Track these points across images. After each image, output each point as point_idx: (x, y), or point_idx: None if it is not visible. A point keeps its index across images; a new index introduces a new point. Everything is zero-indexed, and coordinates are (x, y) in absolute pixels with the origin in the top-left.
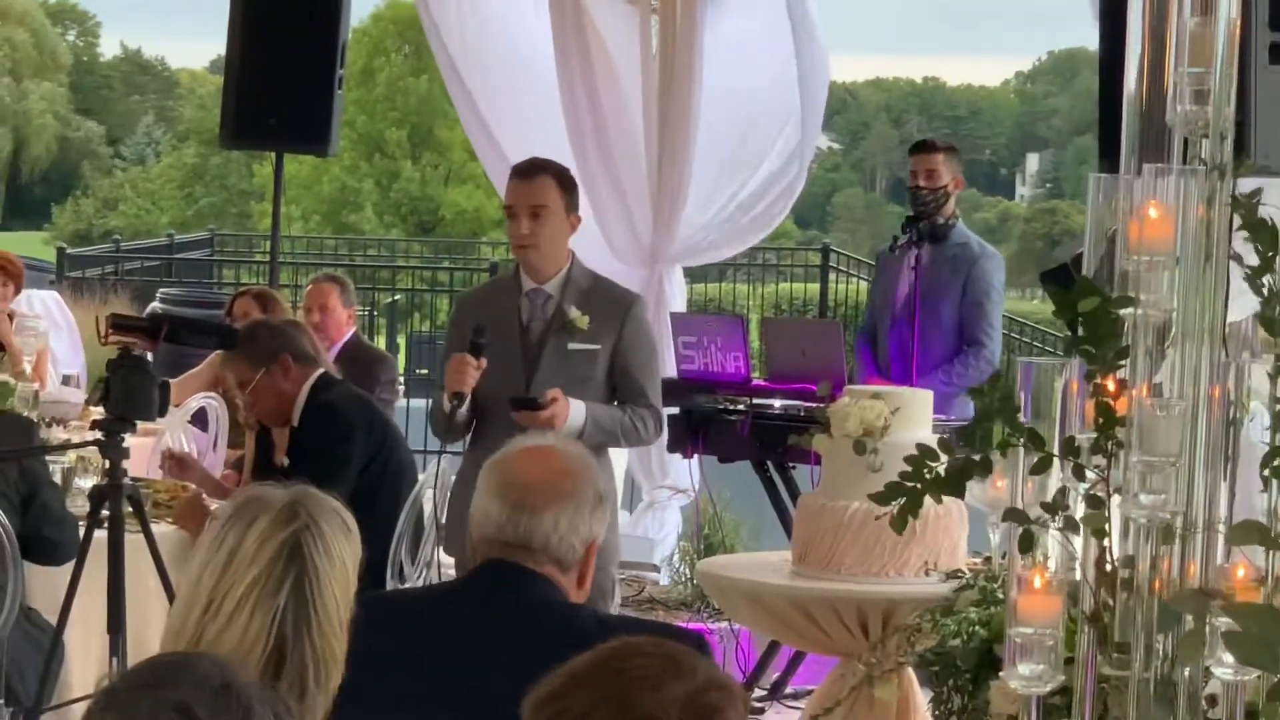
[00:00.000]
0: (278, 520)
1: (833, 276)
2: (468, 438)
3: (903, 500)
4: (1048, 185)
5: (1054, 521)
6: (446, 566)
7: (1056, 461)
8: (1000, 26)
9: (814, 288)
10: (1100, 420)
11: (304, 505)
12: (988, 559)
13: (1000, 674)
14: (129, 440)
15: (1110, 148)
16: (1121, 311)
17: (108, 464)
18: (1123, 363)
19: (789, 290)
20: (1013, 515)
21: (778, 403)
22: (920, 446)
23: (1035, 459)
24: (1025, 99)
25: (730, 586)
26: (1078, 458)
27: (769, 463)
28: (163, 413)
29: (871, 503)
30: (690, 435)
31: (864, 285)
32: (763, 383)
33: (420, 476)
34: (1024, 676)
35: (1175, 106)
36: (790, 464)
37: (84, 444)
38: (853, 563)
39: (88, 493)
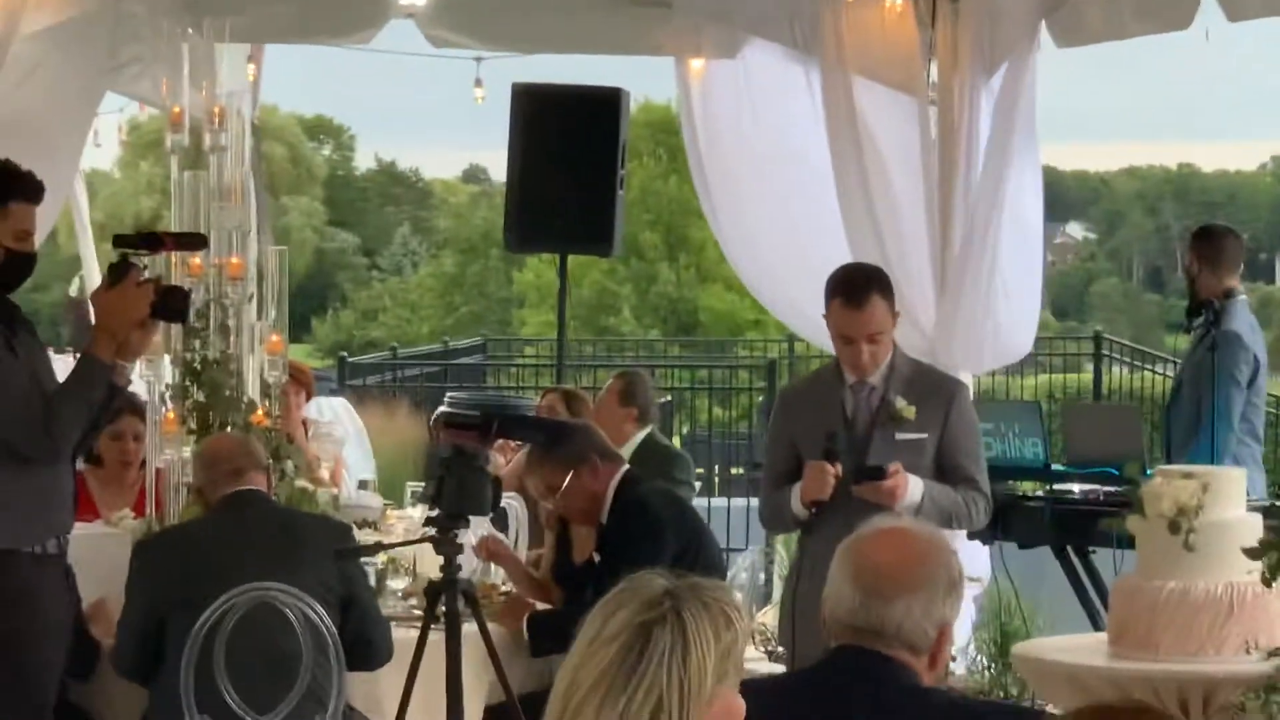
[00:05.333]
0: (639, 608)
1: (1105, 364)
2: (798, 533)
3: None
4: None
5: None
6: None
7: None
8: (1254, 110)
9: (1085, 377)
10: None
11: (675, 594)
12: None
13: None
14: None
15: None
16: None
17: (443, 560)
18: None
19: (1061, 380)
20: None
21: (1076, 488)
22: None
23: None
24: None
25: (1050, 669)
26: None
27: (1069, 548)
28: (495, 509)
29: (1188, 581)
30: (990, 522)
31: (1133, 372)
32: (1062, 468)
33: (729, 571)
34: None
35: None
36: (1090, 549)
37: (420, 540)
38: (1170, 643)
39: (424, 589)
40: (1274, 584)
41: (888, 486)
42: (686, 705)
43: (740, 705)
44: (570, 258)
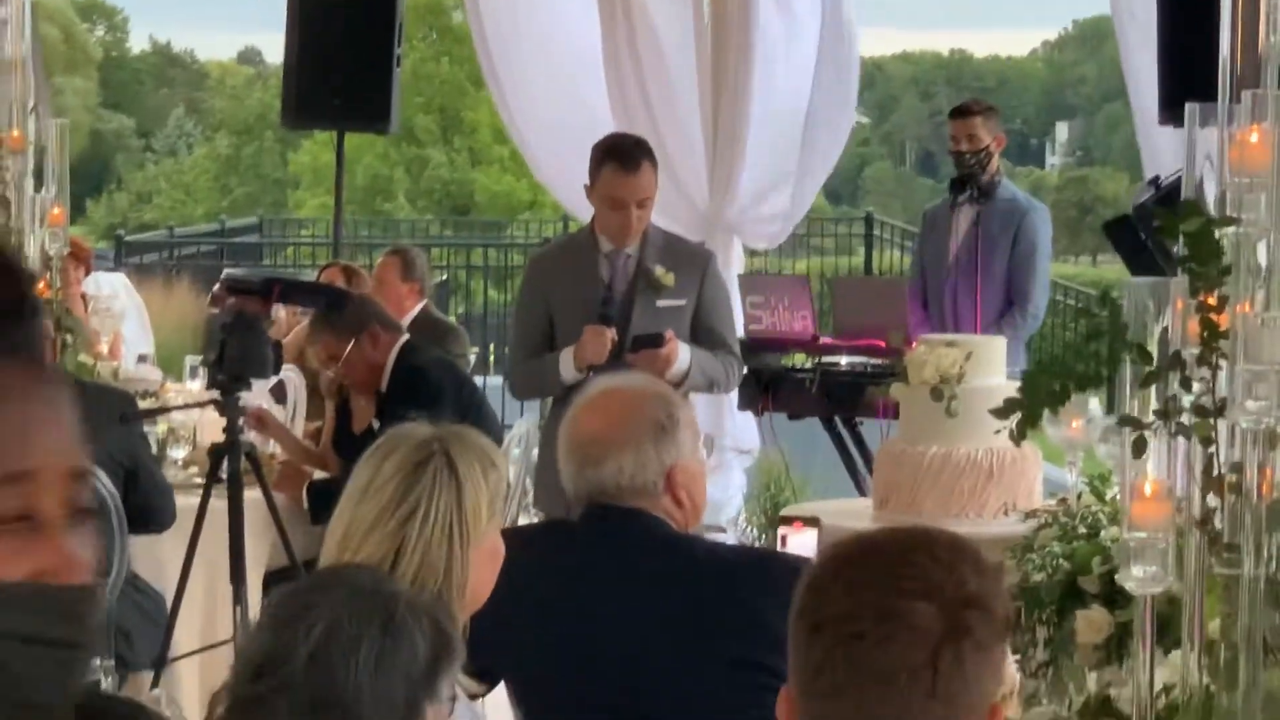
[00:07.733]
0: (410, 451)
1: (876, 245)
2: (548, 401)
3: (1017, 416)
4: (1078, 153)
5: (1168, 426)
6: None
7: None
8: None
9: (856, 260)
10: (1204, 334)
11: (442, 440)
12: (1063, 500)
13: (1087, 605)
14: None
15: (1174, 90)
16: (1222, 231)
17: (226, 422)
18: (1225, 279)
19: (834, 263)
20: (1127, 421)
21: (844, 359)
22: (1038, 365)
23: (1145, 372)
24: (1053, 68)
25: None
26: (1185, 370)
27: (837, 418)
28: (276, 371)
29: (950, 447)
30: (760, 393)
31: (905, 254)
32: (830, 340)
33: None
34: (1138, 578)
35: (1270, 37)
36: (858, 419)
37: (204, 403)
38: (933, 506)
39: (208, 450)
40: (1023, 442)
41: (664, 354)
42: (466, 538)
43: (502, 547)
44: (345, 141)
